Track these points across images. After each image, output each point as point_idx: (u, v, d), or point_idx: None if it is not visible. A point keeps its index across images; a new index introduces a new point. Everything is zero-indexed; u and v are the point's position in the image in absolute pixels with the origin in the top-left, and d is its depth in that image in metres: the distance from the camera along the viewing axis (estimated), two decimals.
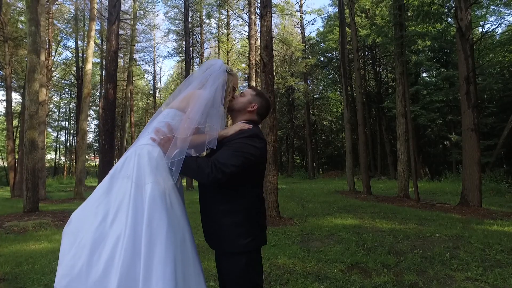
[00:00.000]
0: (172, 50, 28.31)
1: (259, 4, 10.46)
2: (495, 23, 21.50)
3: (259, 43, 14.75)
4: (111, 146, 7.59)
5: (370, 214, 7.47)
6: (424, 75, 24.55)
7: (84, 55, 19.54)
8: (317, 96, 32.50)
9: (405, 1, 11.84)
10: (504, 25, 21.06)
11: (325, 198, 11.16)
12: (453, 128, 21.62)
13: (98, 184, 8.11)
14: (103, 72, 25.02)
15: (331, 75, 29.69)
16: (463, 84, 9.19)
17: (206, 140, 1.59)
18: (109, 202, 1.48)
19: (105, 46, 21.65)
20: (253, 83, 17.77)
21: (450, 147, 22.09)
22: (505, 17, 20.87)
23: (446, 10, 12.24)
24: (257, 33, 17.24)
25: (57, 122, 40.76)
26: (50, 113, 34.38)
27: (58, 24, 23.11)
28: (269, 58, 6.19)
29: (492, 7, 19.45)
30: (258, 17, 8.90)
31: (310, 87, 27.83)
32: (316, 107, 32.97)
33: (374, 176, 22.37)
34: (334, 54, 26.43)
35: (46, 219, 7.17)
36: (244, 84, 30.05)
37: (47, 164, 25.64)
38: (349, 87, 20.00)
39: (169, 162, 1.52)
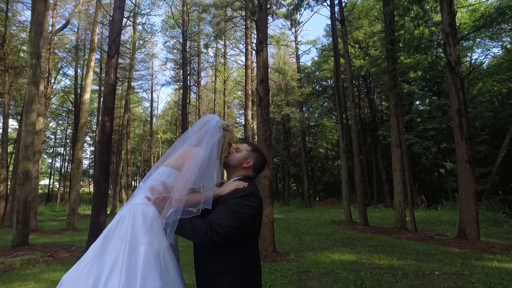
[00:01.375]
0: (170, 78, 28.82)
1: (255, 39, 10.81)
2: (482, 54, 22.34)
3: (255, 73, 15.09)
4: (106, 179, 7.51)
5: (368, 248, 7.35)
6: (417, 102, 25.06)
7: (83, 82, 19.83)
8: (313, 123, 32.87)
9: (396, 35, 12.29)
10: (490, 57, 21.88)
11: (322, 230, 11.00)
12: (448, 156, 21.78)
13: (91, 212, 7.88)
14: (101, 100, 25.26)
15: (326, 103, 30.19)
16: (455, 116, 9.37)
17: (201, 200, 1.58)
18: (102, 264, 1.44)
19: (104, 74, 22.01)
20: (249, 112, 18.00)
21: (445, 175, 22.16)
22: (491, 49, 21.67)
23: (435, 44, 12.72)
24: (253, 63, 17.70)
25: (52, 149, 40.55)
26: (46, 139, 34.29)
27: (59, 53, 23.56)
28: (265, 92, 6.32)
29: (478, 39, 20.23)
30: (255, 48, 9.14)
31: (306, 115, 28.18)
32: (312, 134, 33.25)
33: (370, 204, 22.24)
34: (329, 83, 27.03)
35: (35, 254, 6.96)
36: (241, 112, 30.45)
37: (40, 191, 25.24)
38: (344, 115, 20.31)
39: (164, 222, 1.51)
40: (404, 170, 11.66)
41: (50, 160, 42.06)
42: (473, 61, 21.87)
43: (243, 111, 22.64)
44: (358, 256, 6.48)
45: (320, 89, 28.30)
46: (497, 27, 13.40)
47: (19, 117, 23.76)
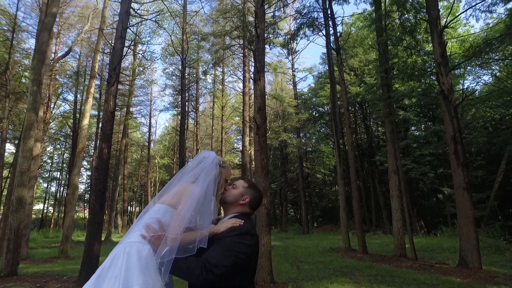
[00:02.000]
0: (168, 104, 29.16)
1: (253, 67, 11.09)
2: (473, 82, 22.94)
3: (252, 100, 15.33)
4: (102, 207, 7.41)
5: (367, 278, 7.18)
6: (413, 128, 25.35)
7: (83, 107, 20.01)
8: (310, 149, 33.00)
9: (390, 63, 12.64)
10: (481, 84, 22.46)
11: (321, 258, 10.78)
12: (445, 181, 21.77)
13: (85, 240, 7.69)
14: (99, 125, 25.37)
15: (323, 129, 30.47)
16: (450, 143, 9.47)
17: (196, 239, 1.58)
18: None
19: (103, 100, 22.24)
20: (247, 138, 18.12)
21: (443, 200, 22.05)
22: (482, 76, 22.28)
23: (428, 71, 13.08)
24: (251, 90, 18.04)
25: (49, 173, 40.19)
26: (42, 163, 34.07)
27: (60, 79, 23.92)
28: (263, 120, 6.41)
29: (469, 67, 20.83)
30: (252, 77, 9.34)
31: (303, 140, 28.38)
32: (309, 160, 33.29)
33: (369, 230, 21.94)
34: (326, 109, 27.42)
35: (24, 285, 6.73)
36: (239, 137, 30.57)
37: (33, 216, 24.77)
38: (341, 140, 20.44)
39: (158, 261, 1.50)
40: (402, 196, 11.62)
41: (45, 185, 41.56)
42: (465, 87, 22.39)
43: (241, 136, 22.78)
44: (358, 287, 6.33)
45: (317, 115, 28.67)
46: (485, 56, 13.85)
47: (16, 141, 23.76)
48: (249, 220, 1.75)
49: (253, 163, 17.27)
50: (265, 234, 6.35)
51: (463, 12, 11.32)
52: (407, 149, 22.63)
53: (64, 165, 38.07)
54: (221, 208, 1.91)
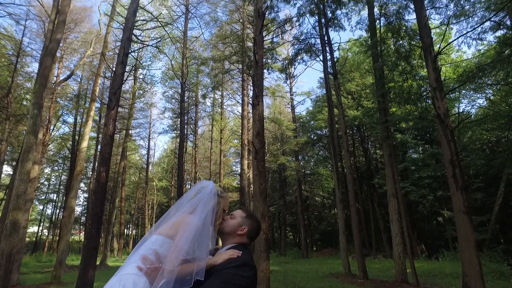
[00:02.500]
0: (167, 126, 29.36)
1: (251, 91, 11.28)
2: (468, 105, 23.31)
3: (251, 123, 15.48)
4: (98, 231, 7.31)
5: None
6: (411, 151, 25.44)
7: (82, 129, 20.11)
8: (309, 172, 32.94)
9: (386, 87, 12.89)
10: (476, 107, 22.82)
11: (320, 284, 10.53)
12: (445, 204, 21.62)
13: (80, 265, 7.52)
14: (98, 147, 25.38)
15: (321, 152, 30.54)
16: (448, 166, 9.50)
17: (194, 271, 1.57)
18: None
19: (102, 122, 22.37)
20: (245, 162, 18.14)
21: (444, 223, 21.80)
22: (476, 100, 22.66)
23: (424, 95, 13.32)
24: (249, 113, 18.25)
25: (45, 195, 39.73)
26: (39, 185, 33.77)
27: (60, 101, 24.18)
28: (261, 145, 6.46)
29: (464, 91, 21.23)
30: (251, 102, 9.49)
31: (301, 163, 28.38)
32: (308, 183, 33.14)
33: (369, 254, 21.54)
34: (324, 132, 27.60)
35: None
36: (237, 160, 30.55)
37: (27, 239, 24.27)
38: (339, 163, 20.46)
39: None
40: (402, 220, 11.52)
41: (41, 207, 40.99)
42: (461, 111, 22.71)
43: (239, 159, 22.80)
44: None
45: (315, 138, 28.83)
46: (479, 81, 14.18)
47: (14, 163, 23.66)
48: (247, 251, 1.74)
49: (252, 186, 17.22)
50: (263, 260, 6.24)
51: (455, 40, 11.69)
52: (406, 172, 22.62)
53: (61, 187, 37.73)
54: (219, 238, 1.90)
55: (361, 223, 22.66)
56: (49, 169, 36.15)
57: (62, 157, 31.44)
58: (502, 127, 19.74)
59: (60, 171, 36.69)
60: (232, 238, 1.79)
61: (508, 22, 11.31)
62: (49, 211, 41.88)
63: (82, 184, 34.94)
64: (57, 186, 39.59)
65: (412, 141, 21.62)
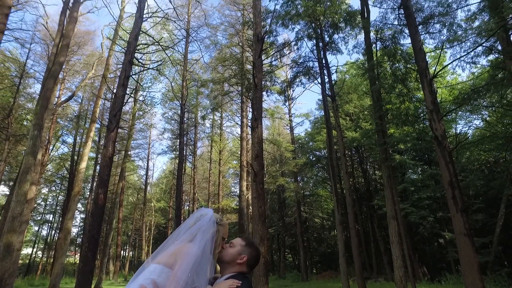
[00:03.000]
0: (167, 147, 29.41)
1: (250, 113, 11.42)
2: (465, 126, 23.54)
3: (250, 145, 15.55)
4: (94, 254, 7.19)
5: None
6: (410, 171, 25.40)
7: (81, 150, 20.11)
8: (308, 193, 32.74)
9: (384, 109, 13.06)
10: (473, 128, 23.03)
11: None
12: (445, 226, 21.37)
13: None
14: (97, 167, 25.31)
15: (320, 173, 30.47)
16: (448, 188, 9.49)
17: None
18: None
19: (102, 142, 22.41)
20: (244, 183, 18.09)
21: (445, 245, 21.47)
22: (473, 121, 22.90)
23: (422, 116, 13.49)
24: (248, 135, 18.39)
25: (41, 216, 39.13)
26: (36, 205, 33.37)
27: (60, 122, 24.31)
28: (260, 167, 6.48)
29: (460, 112, 21.48)
30: (250, 125, 9.59)
31: (300, 184, 28.26)
32: (307, 204, 32.86)
33: (370, 277, 21.09)
34: (323, 153, 27.64)
35: None
36: (236, 181, 30.41)
37: (20, 261, 23.71)
38: (338, 185, 20.39)
39: None
40: (402, 242, 11.37)
41: (36, 228, 40.28)
42: (458, 131, 22.88)
43: (238, 180, 22.72)
44: None
45: (314, 159, 28.84)
46: (474, 103, 14.39)
47: (11, 183, 23.48)
48: (247, 280, 1.74)
49: (251, 208, 17.06)
50: (262, 284, 6.12)
51: (449, 63, 11.95)
52: (405, 193, 22.51)
53: (58, 207, 37.25)
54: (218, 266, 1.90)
55: (361, 245, 22.34)
56: (47, 190, 35.83)
57: (60, 177, 31.24)
58: (499, 148, 19.84)
59: (58, 191, 36.34)
60: (232, 267, 1.79)
61: (499, 47, 11.61)
62: (44, 232, 41.13)
63: (79, 205, 34.57)
64: (53, 207, 39.10)
65: (411, 162, 21.65)
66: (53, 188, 36.15)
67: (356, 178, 27.89)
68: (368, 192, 25.66)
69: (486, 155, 21.78)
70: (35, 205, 32.34)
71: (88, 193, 29.78)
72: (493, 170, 21.97)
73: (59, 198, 37.52)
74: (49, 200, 39.15)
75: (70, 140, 30.44)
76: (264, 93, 13.96)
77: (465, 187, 19.74)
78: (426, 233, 22.37)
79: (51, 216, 39.37)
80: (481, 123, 22.33)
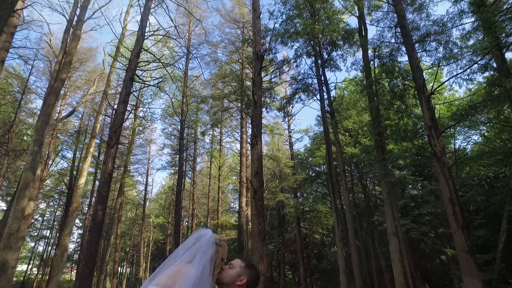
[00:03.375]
0: (166, 163, 29.36)
1: (250, 129, 11.49)
2: (464, 141, 23.63)
3: (249, 161, 15.57)
4: (91, 272, 7.09)
5: None
6: (410, 186, 25.29)
7: (80, 165, 20.05)
8: (308, 209, 32.49)
9: (383, 125, 13.16)
10: (471, 143, 23.12)
11: None
12: (447, 242, 21.11)
13: None
14: (96, 182, 25.20)
15: (320, 188, 30.33)
16: (448, 204, 9.47)
17: None
18: None
19: (101, 157, 22.41)
20: (244, 199, 18.02)
21: (447, 262, 21.15)
22: (471, 136, 22.99)
23: (420, 132, 13.58)
24: (248, 150, 18.45)
25: (38, 231, 38.59)
26: (33, 221, 32.98)
27: (60, 137, 24.35)
28: (260, 184, 6.49)
29: (458, 128, 21.60)
30: (250, 142, 9.64)
31: (300, 200, 28.10)
32: (307, 220, 32.55)
33: None
34: (322, 169, 27.59)
35: None
36: (235, 196, 30.22)
37: (14, 279, 23.23)
38: (338, 200, 20.28)
39: None
40: (404, 260, 11.24)
41: (32, 244, 39.66)
42: (457, 146, 22.94)
43: (238, 196, 22.60)
44: None
45: (313, 174, 28.76)
46: (472, 118, 14.54)
47: (9, 198, 23.31)
48: None
49: (250, 224, 16.93)
50: None
51: (446, 81, 12.16)
52: (405, 209, 22.35)
53: (55, 223, 36.81)
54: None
55: (361, 261, 22.02)
56: (44, 205, 35.51)
57: (59, 192, 31.02)
58: (498, 163, 19.84)
59: (56, 206, 35.99)
60: None
61: (494, 65, 11.83)
62: (40, 248, 40.50)
63: (77, 220, 34.16)
64: (51, 222, 38.62)
65: (411, 178, 21.59)
66: (51, 203, 35.82)
67: (356, 193, 27.75)
68: (368, 208, 25.47)
69: (486, 170, 21.75)
70: (32, 220, 31.99)
71: (87, 208, 29.53)
72: (493, 186, 21.89)
73: (56, 214, 37.14)
74: (47, 215, 38.72)
75: (69, 155, 30.38)
76: (263, 109, 14.10)
77: (465, 203, 19.62)
78: (428, 250, 22.07)
79: (48, 231, 38.86)
80: (480, 138, 22.42)
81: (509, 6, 9.85)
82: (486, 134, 20.94)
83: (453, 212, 9.26)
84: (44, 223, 39.08)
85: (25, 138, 20.49)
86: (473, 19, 12.12)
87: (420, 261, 23.16)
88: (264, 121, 18.26)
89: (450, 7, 12.53)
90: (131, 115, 23.38)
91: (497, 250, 17.81)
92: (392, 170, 18.76)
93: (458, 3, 12.19)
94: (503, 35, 10.12)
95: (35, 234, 38.20)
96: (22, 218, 9.69)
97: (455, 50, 12.25)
